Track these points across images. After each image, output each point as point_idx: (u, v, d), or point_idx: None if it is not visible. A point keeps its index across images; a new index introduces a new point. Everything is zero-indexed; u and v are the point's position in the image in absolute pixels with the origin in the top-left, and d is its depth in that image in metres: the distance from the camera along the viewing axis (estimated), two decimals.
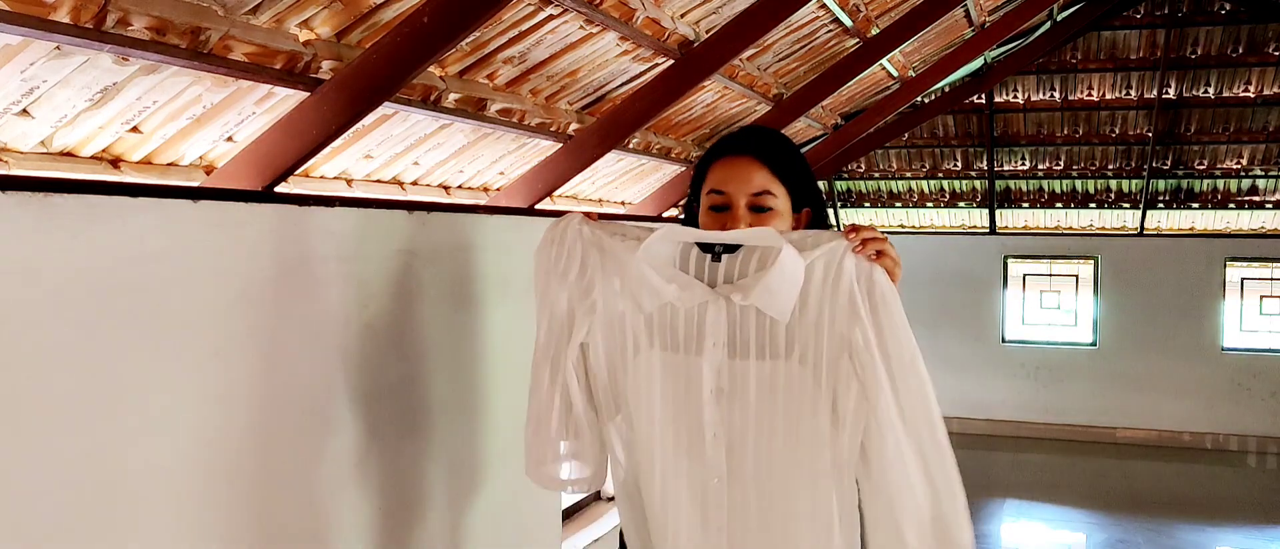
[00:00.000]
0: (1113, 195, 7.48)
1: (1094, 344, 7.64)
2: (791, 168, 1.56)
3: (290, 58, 2.10)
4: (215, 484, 1.72)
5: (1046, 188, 7.58)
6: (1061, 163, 7.40)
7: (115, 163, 2.10)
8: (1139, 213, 7.46)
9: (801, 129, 5.78)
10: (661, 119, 4.06)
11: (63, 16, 1.60)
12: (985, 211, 7.78)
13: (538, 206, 3.42)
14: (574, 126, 3.44)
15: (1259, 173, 7.06)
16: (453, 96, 2.73)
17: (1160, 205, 7.40)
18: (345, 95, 2.11)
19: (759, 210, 1.53)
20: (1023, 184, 7.60)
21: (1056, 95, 7.10)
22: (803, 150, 1.91)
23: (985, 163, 7.49)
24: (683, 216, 1.71)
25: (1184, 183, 7.27)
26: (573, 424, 1.59)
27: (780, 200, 1.54)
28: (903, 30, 4.26)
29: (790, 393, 1.42)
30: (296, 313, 1.89)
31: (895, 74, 5.68)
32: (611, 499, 3.97)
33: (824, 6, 3.94)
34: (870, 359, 1.38)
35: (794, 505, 1.43)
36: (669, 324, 1.48)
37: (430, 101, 2.66)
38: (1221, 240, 7.39)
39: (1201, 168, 7.15)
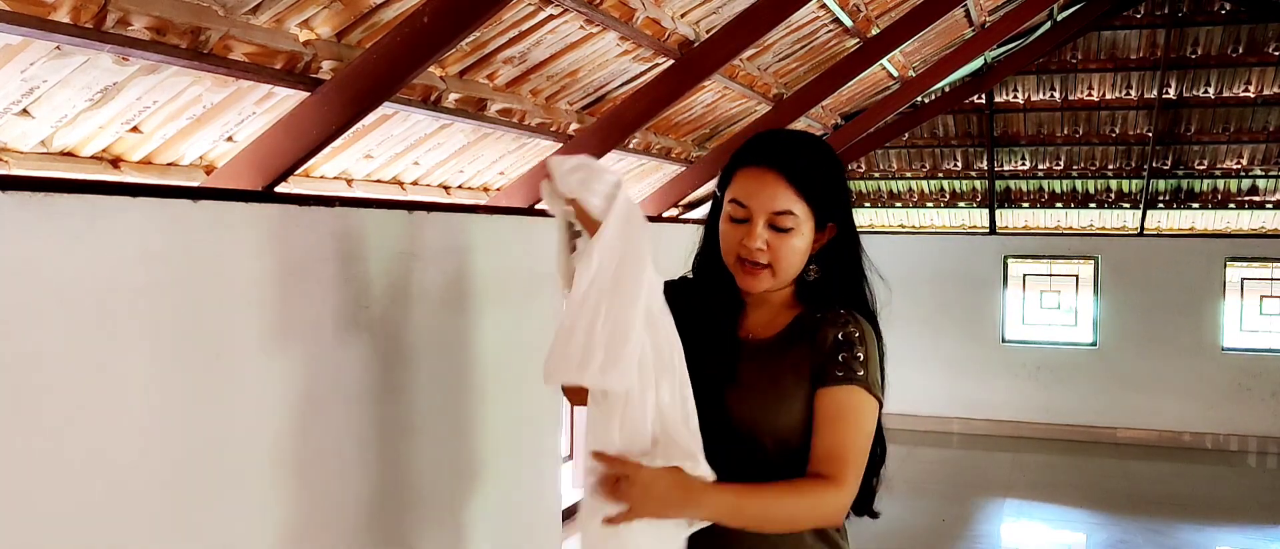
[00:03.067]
0: (1113, 195, 7.47)
1: (1094, 344, 7.63)
2: (816, 184, 1.52)
3: (290, 58, 2.10)
4: (215, 484, 1.72)
5: (1046, 188, 7.58)
6: (1061, 163, 7.39)
7: (115, 163, 2.10)
8: (1139, 213, 7.45)
9: (801, 129, 5.77)
10: (661, 119, 4.06)
11: (63, 16, 1.60)
12: (985, 211, 7.78)
13: (537, 206, 3.42)
14: (574, 126, 3.45)
15: (1259, 173, 7.05)
16: (453, 96, 2.74)
17: (1160, 205, 7.39)
18: (345, 95, 2.11)
19: (778, 230, 1.52)
20: (1023, 184, 7.60)
21: (1056, 95, 7.10)
22: None
23: (985, 163, 7.48)
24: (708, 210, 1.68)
25: (1184, 183, 7.26)
26: None
27: (802, 220, 1.52)
28: (903, 30, 4.26)
29: None
30: (297, 313, 1.89)
31: (895, 74, 5.68)
32: None
33: (824, 6, 3.94)
34: None
35: None
36: None
37: (430, 101, 2.66)
38: (1221, 240, 7.38)
39: (1201, 168, 7.14)
